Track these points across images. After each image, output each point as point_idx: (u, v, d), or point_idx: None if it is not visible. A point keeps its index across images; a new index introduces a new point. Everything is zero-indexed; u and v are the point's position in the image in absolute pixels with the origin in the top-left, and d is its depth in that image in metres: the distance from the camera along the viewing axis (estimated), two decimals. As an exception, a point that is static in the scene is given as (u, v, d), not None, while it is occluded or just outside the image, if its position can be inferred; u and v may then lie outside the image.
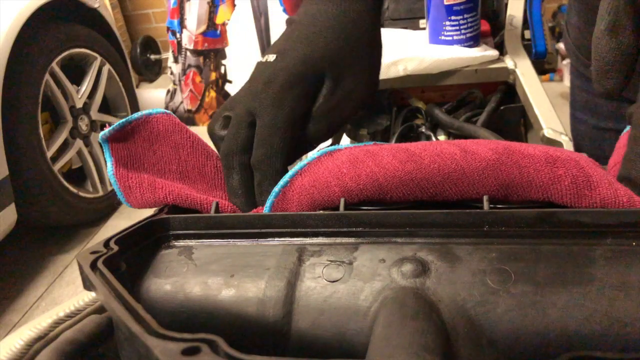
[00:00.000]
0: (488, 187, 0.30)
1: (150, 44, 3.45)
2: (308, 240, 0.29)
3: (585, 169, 0.29)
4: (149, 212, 0.35)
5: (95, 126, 2.16)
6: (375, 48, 0.42)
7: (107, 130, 0.36)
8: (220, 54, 2.96)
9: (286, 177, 0.34)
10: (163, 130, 0.38)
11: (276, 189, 0.34)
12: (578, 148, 0.79)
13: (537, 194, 0.30)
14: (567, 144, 0.62)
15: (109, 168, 0.36)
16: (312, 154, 0.36)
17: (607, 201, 0.28)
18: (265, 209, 0.34)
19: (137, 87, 3.08)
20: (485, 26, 0.87)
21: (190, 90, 3.00)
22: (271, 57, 0.40)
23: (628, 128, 0.37)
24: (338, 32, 0.39)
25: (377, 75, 0.43)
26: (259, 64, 0.41)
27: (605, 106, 0.71)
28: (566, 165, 0.29)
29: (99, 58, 2.16)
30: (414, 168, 0.31)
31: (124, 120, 0.37)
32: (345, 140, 0.84)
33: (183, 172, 0.39)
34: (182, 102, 3.04)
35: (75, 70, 2.08)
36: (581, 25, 0.68)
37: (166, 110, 0.39)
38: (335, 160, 0.34)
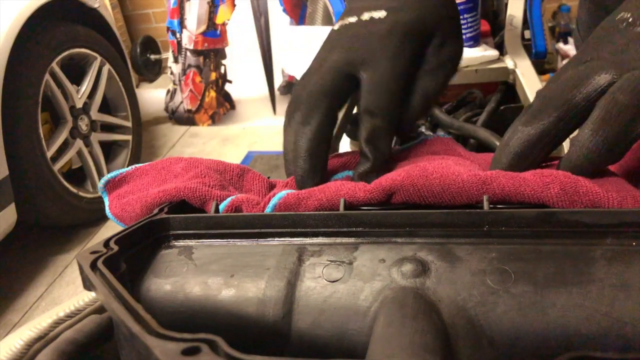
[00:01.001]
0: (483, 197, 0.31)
1: (150, 44, 3.45)
2: (308, 240, 0.29)
3: (572, 175, 0.30)
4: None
5: (95, 126, 2.16)
6: (459, 20, 0.45)
7: (102, 179, 0.40)
8: (220, 54, 2.96)
9: (285, 192, 0.34)
10: (149, 167, 0.41)
11: (282, 192, 0.34)
12: None
13: (530, 200, 0.30)
14: (566, 144, 0.62)
15: (106, 210, 0.39)
16: None
17: (598, 204, 0.28)
18: (268, 209, 0.34)
19: (137, 87, 3.09)
20: (485, 26, 0.87)
21: (190, 90, 3.00)
22: (380, 14, 0.40)
23: None
24: (440, 1, 0.42)
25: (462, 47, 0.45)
26: (358, 23, 0.41)
27: None
28: (553, 174, 0.30)
29: (99, 58, 2.15)
30: (417, 174, 0.32)
31: (116, 171, 0.41)
32: (345, 140, 0.84)
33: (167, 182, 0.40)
34: (182, 102, 3.04)
35: (75, 70, 2.08)
36: (591, 23, 0.68)
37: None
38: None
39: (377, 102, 0.38)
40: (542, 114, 0.33)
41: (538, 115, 0.33)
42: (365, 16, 0.41)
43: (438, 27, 0.41)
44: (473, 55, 0.79)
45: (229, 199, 0.35)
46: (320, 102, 0.38)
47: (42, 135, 1.80)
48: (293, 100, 0.39)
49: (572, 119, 0.32)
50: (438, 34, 0.41)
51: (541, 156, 0.34)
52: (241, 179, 0.42)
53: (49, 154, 1.84)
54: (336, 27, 0.42)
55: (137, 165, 0.41)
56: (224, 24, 2.91)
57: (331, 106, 0.38)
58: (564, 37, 2.76)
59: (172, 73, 3.07)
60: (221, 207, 0.35)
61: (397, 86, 0.38)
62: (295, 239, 0.29)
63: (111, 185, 0.40)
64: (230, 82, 3.00)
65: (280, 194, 0.34)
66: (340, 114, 0.41)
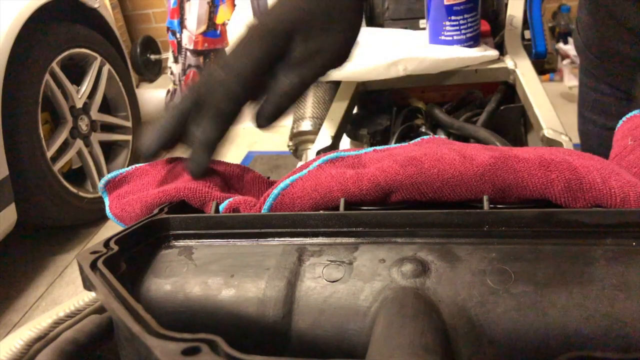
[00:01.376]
0: (485, 192, 0.30)
1: (150, 44, 3.44)
2: (308, 240, 0.29)
3: (578, 170, 0.30)
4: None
5: (95, 126, 2.16)
6: (352, 14, 0.46)
7: (102, 180, 0.40)
8: (220, 54, 2.96)
9: (287, 181, 0.34)
10: (149, 167, 0.42)
11: (276, 190, 0.34)
12: (586, 147, 0.78)
13: (532, 195, 0.30)
14: (567, 144, 0.62)
15: (107, 210, 0.40)
16: (313, 162, 0.36)
17: (601, 200, 0.29)
18: (264, 210, 0.34)
19: (137, 87, 3.08)
20: (485, 26, 0.87)
21: (190, 90, 3.00)
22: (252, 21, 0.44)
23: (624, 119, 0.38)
24: None
25: (353, 42, 0.46)
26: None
27: (614, 106, 0.70)
28: (559, 169, 0.30)
29: (99, 58, 2.15)
30: (414, 172, 0.31)
31: (116, 171, 0.41)
32: (345, 140, 0.84)
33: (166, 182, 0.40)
34: (182, 102, 3.03)
35: (75, 70, 2.08)
36: (592, 24, 0.68)
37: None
38: (338, 167, 0.34)
39: (221, 94, 0.40)
40: None
41: None
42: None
43: (300, 24, 0.42)
44: (473, 55, 0.79)
45: (227, 201, 0.35)
46: (270, 37, 0.41)
47: (42, 135, 1.80)
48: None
49: None
50: (301, 31, 0.42)
51: None
52: (241, 179, 0.42)
53: (49, 154, 1.84)
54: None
55: (137, 165, 0.42)
56: (224, 24, 2.90)
57: (277, 43, 0.41)
58: (564, 37, 2.76)
59: (172, 73, 3.07)
60: (220, 208, 0.35)
61: (241, 80, 0.40)
62: (295, 239, 0.29)
63: (111, 186, 0.40)
64: (230, 82, 2.99)
65: (275, 193, 0.34)
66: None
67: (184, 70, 3.00)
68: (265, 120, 0.43)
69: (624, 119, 0.39)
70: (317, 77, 0.44)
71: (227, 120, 0.40)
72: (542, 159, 0.31)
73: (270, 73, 0.42)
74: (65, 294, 1.81)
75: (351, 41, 0.46)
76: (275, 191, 0.34)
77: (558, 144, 0.62)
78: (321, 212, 0.32)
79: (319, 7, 0.43)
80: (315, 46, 0.43)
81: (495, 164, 0.31)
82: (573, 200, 0.29)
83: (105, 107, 2.29)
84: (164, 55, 3.43)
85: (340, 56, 0.45)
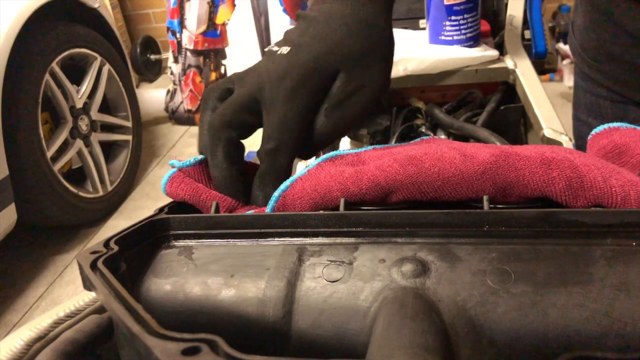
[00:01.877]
0: (486, 190, 0.30)
1: (150, 44, 3.44)
2: (308, 240, 0.29)
3: (580, 168, 0.30)
4: (148, 212, 0.35)
5: (95, 126, 2.16)
6: (387, 47, 0.44)
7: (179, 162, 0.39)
8: (220, 54, 2.96)
9: (287, 182, 0.34)
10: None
11: (276, 193, 0.34)
12: (580, 150, 0.78)
13: (533, 193, 0.30)
14: (567, 144, 0.62)
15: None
16: (312, 161, 0.36)
17: (602, 199, 0.29)
18: (267, 211, 0.34)
19: (137, 87, 3.08)
20: (485, 26, 0.87)
21: (190, 90, 3.00)
22: (285, 50, 0.41)
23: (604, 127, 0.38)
24: (352, 30, 0.41)
25: (389, 72, 0.45)
26: (271, 53, 0.42)
27: (610, 108, 0.70)
28: (560, 167, 0.30)
29: (99, 58, 2.15)
30: (414, 171, 0.31)
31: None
32: (345, 140, 0.84)
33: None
34: (182, 102, 3.04)
35: (75, 70, 2.08)
36: (587, 26, 0.68)
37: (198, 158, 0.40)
38: (337, 166, 0.34)
39: (266, 149, 0.39)
40: None
41: None
42: (282, 49, 0.42)
43: (343, 63, 0.40)
44: (473, 55, 0.79)
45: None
46: (222, 132, 0.39)
47: (42, 135, 1.80)
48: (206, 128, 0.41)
49: None
50: (343, 70, 0.40)
51: None
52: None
53: (49, 154, 1.84)
54: (267, 49, 0.43)
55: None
56: (224, 24, 2.90)
57: (231, 137, 0.40)
58: (564, 37, 2.76)
59: (172, 73, 3.07)
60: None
61: (286, 135, 0.39)
62: (295, 239, 0.29)
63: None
64: (230, 82, 2.99)
65: (275, 196, 0.34)
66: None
67: (184, 70, 3.00)
68: (305, 156, 0.42)
69: (592, 133, 0.39)
70: (360, 116, 0.42)
71: (285, 176, 0.39)
72: (543, 156, 0.31)
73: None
74: (65, 294, 1.81)
75: (389, 72, 0.44)
76: (275, 194, 0.34)
77: (558, 144, 0.62)
78: (321, 212, 0.32)
79: (359, 43, 0.41)
80: (358, 84, 0.41)
81: (496, 162, 0.31)
82: (574, 198, 0.29)
83: (105, 107, 2.29)
84: (164, 55, 3.43)
85: (381, 89, 0.43)
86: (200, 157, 0.40)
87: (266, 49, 0.43)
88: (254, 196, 0.40)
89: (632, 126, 0.37)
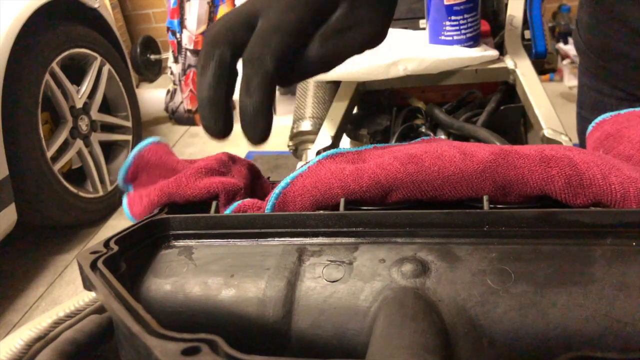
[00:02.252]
0: (486, 189, 0.30)
1: (150, 44, 3.44)
2: (308, 240, 0.29)
3: (579, 166, 0.30)
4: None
5: (95, 126, 2.16)
6: (391, 3, 0.43)
7: (120, 176, 0.39)
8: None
9: (287, 179, 0.34)
10: (155, 158, 0.40)
11: (277, 190, 0.34)
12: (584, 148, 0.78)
13: (532, 191, 0.30)
14: (567, 144, 0.62)
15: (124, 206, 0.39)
16: (313, 158, 0.36)
17: (601, 196, 0.29)
18: (267, 210, 0.34)
19: (137, 87, 3.08)
20: (485, 26, 0.87)
21: (190, 90, 3.00)
22: None
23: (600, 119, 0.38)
24: None
25: (387, 28, 0.43)
26: None
27: (614, 106, 0.70)
28: (559, 165, 0.30)
29: (99, 58, 2.15)
30: (415, 170, 0.31)
31: (125, 164, 0.39)
32: (345, 140, 0.84)
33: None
34: (182, 102, 3.04)
35: (75, 70, 2.08)
36: (593, 24, 0.68)
37: (154, 139, 0.40)
38: (337, 163, 0.34)
39: (251, 52, 0.36)
40: None
41: None
42: None
43: None
44: (473, 55, 0.79)
45: (235, 204, 0.35)
46: (214, 49, 0.37)
47: (42, 135, 1.80)
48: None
49: None
50: (347, 2, 0.39)
51: None
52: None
53: (49, 154, 1.84)
54: None
55: (135, 152, 0.40)
56: (224, 24, 2.90)
57: (224, 52, 0.37)
58: (564, 37, 2.76)
59: (172, 73, 3.07)
60: (227, 211, 0.35)
61: (277, 38, 0.36)
62: (295, 239, 0.29)
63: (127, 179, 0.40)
64: (230, 82, 2.99)
65: (276, 193, 0.34)
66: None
67: (184, 70, 3.00)
68: (286, 83, 0.39)
69: (593, 124, 0.39)
70: (353, 54, 0.40)
71: (274, 82, 0.37)
72: (542, 155, 0.31)
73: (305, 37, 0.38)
74: (65, 294, 1.81)
75: (389, 21, 0.42)
76: (276, 190, 0.34)
77: (558, 144, 0.62)
78: (321, 212, 0.32)
79: None
80: (359, 17, 0.39)
81: (496, 160, 0.31)
82: (573, 196, 0.29)
83: (105, 107, 2.29)
84: (164, 55, 3.43)
85: (378, 34, 0.41)
86: (152, 138, 0.39)
87: None
88: (242, 105, 0.37)
89: (616, 112, 0.37)
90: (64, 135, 1.95)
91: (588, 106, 0.76)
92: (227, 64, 0.37)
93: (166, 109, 3.09)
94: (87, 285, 0.25)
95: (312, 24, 0.38)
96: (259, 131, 0.36)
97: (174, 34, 2.99)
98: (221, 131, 0.36)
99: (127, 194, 0.39)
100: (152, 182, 0.38)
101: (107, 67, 2.21)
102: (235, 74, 0.38)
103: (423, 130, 0.80)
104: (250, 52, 0.36)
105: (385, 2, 0.41)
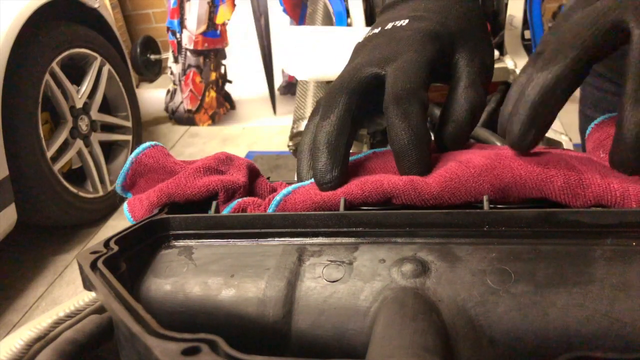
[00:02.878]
0: (484, 193, 0.30)
1: (150, 44, 3.44)
2: (308, 240, 0.29)
3: (577, 166, 0.30)
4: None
5: (95, 126, 2.16)
6: (483, 18, 0.44)
7: (118, 181, 0.39)
8: (220, 54, 2.96)
9: (289, 188, 0.34)
10: (153, 162, 0.39)
11: (278, 197, 0.34)
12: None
13: (531, 193, 0.30)
14: (567, 144, 0.62)
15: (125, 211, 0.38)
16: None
17: (601, 197, 0.29)
18: (270, 210, 0.35)
19: (137, 87, 3.09)
20: (485, 26, 0.87)
21: (190, 90, 3.00)
22: (401, 22, 0.41)
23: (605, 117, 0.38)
24: (463, 11, 0.41)
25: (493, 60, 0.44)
26: (381, 29, 0.41)
27: (617, 104, 0.70)
28: (557, 165, 0.30)
29: (99, 58, 2.16)
30: (417, 178, 0.32)
31: (122, 170, 0.39)
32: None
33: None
34: (182, 102, 3.04)
35: (75, 70, 2.08)
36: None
37: (151, 143, 0.40)
38: None
39: (403, 85, 0.36)
40: (557, 56, 0.31)
41: (554, 59, 0.31)
42: (389, 26, 0.41)
43: (462, 36, 0.40)
44: (473, 55, 0.79)
45: (235, 202, 0.35)
46: (339, 98, 0.37)
47: (42, 135, 1.80)
48: (313, 110, 0.39)
49: (590, 59, 0.31)
50: (464, 44, 0.40)
51: (560, 104, 0.32)
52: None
53: (49, 154, 1.84)
54: (361, 39, 0.42)
55: (133, 157, 0.40)
56: (224, 24, 2.91)
57: (350, 101, 0.37)
58: (564, 37, 2.75)
59: (172, 73, 3.07)
60: (227, 209, 0.35)
61: (422, 73, 0.36)
62: (295, 239, 0.29)
63: (125, 185, 0.40)
64: (230, 82, 3.00)
65: (277, 199, 0.34)
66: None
67: (184, 70, 3.01)
68: (453, 141, 0.40)
69: (592, 124, 0.39)
70: (487, 94, 0.40)
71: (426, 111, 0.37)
72: (539, 156, 0.31)
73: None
74: (65, 294, 1.81)
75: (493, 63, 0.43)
76: (277, 197, 0.34)
77: (558, 143, 0.62)
78: (321, 212, 0.32)
79: (480, 21, 0.40)
80: (482, 60, 0.40)
81: (491, 164, 0.31)
82: (573, 197, 0.29)
83: (105, 107, 2.29)
84: (164, 55, 3.43)
85: (493, 61, 0.42)
86: (150, 143, 0.39)
87: (363, 37, 0.42)
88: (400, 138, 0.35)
89: (617, 113, 0.37)
90: (64, 135, 1.95)
91: (590, 104, 0.76)
92: (355, 110, 0.37)
93: (166, 109, 3.09)
94: (87, 285, 0.25)
95: (438, 61, 0.38)
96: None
97: (174, 34, 2.99)
98: (335, 179, 0.34)
99: (127, 200, 0.39)
100: (151, 186, 0.39)
101: (107, 67, 2.22)
102: (360, 122, 0.38)
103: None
104: (393, 88, 0.36)
105: (490, 50, 0.42)
